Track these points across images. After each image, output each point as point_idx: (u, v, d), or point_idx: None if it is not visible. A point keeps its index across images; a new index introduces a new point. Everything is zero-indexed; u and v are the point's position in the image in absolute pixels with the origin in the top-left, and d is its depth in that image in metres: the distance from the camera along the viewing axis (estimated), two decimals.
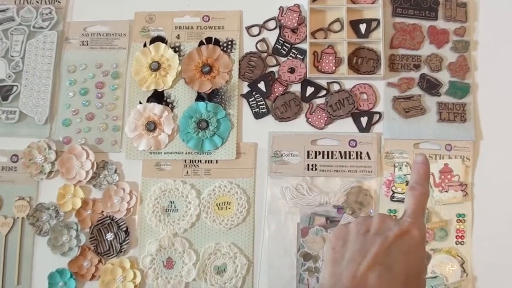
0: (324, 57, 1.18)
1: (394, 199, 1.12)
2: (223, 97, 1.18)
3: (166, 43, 1.21)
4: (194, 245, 1.14)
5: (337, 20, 1.20)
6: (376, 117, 1.17)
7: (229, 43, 1.21)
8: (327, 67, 1.18)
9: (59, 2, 1.24)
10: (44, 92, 1.20)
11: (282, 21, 1.20)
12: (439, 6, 1.20)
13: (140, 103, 1.18)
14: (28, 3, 1.25)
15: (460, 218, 1.12)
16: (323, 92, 1.18)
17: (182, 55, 1.20)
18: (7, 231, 1.15)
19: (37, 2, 1.25)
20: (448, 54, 1.18)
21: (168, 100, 1.19)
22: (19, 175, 1.17)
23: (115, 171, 1.17)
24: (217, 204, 1.14)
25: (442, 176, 1.13)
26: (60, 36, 1.22)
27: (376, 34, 1.19)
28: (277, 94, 1.18)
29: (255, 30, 1.22)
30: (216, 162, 1.16)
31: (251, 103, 1.18)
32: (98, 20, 1.23)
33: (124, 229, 1.13)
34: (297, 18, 1.20)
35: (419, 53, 1.18)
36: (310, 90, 1.18)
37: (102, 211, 1.15)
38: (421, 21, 1.20)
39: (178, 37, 1.22)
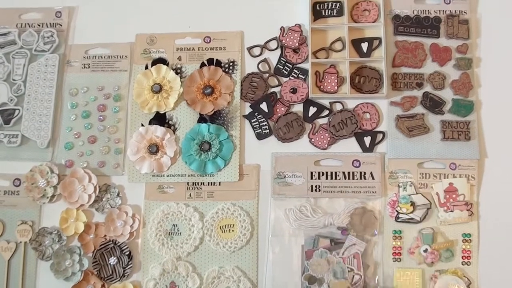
0: (326, 77, 1.19)
1: (399, 220, 1.12)
2: (225, 118, 1.18)
3: (167, 64, 1.21)
4: (198, 269, 1.14)
5: (339, 39, 1.21)
6: (380, 136, 1.17)
7: (231, 64, 1.21)
8: (329, 87, 1.19)
9: (61, 25, 1.26)
10: (46, 115, 1.21)
11: (284, 41, 1.21)
12: (441, 24, 1.21)
13: (142, 125, 1.19)
14: (29, 26, 1.26)
15: (466, 238, 1.12)
16: (326, 112, 1.19)
17: (183, 77, 1.21)
18: (10, 255, 1.16)
19: (39, 25, 1.26)
20: (451, 71, 1.19)
21: (170, 122, 1.19)
22: (22, 199, 1.18)
23: (118, 195, 1.17)
24: (220, 227, 1.14)
25: (447, 196, 1.13)
26: (61, 59, 1.24)
27: (378, 52, 1.20)
28: (279, 114, 1.19)
29: (256, 51, 1.23)
30: (219, 184, 1.16)
31: (253, 124, 1.19)
32: (100, 42, 1.24)
33: (127, 253, 1.13)
34: (298, 38, 1.21)
35: (421, 71, 1.19)
36: (312, 110, 1.19)
37: (105, 235, 1.15)
38: (423, 39, 1.20)
39: (179, 58, 1.22)
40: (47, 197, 1.16)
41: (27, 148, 1.20)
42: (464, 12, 1.21)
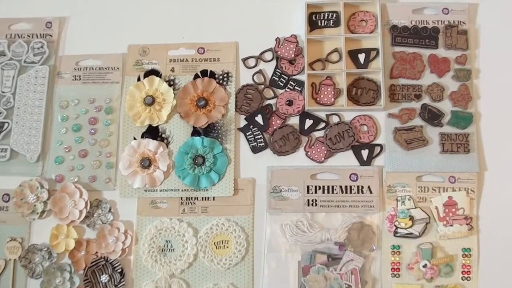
0: (323, 89, 1.17)
1: (398, 235, 1.10)
2: (219, 131, 1.17)
3: (160, 76, 1.20)
4: (192, 286, 1.12)
5: (335, 50, 1.20)
6: (377, 149, 1.15)
7: (225, 75, 1.20)
8: (325, 99, 1.17)
9: (51, 36, 1.24)
10: (36, 128, 1.18)
11: (279, 52, 1.20)
12: (439, 34, 1.19)
13: (135, 139, 1.17)
14: (19, 37, 1.24)
15: (466, 253, 1.10)
16: (322, 125, 1.17)
17: (177, 89, 1.19)
18: None
19: (29, 36, 1.24)
20: (450, 83, 1.18)
21: (163, 135, 1.17)
22: (11, 215, 1.15)
23: (109, 210, 1.15)
24: (215, 243, 1.12)
25: (447, 210, 1.11)
26: (52, 70, 1.22)
27: (375, 64, 1.18)
28: (275, 127, 1.17)
29: (251, 62, 1.21)
30: (213, 199, 1.14)
31: (248, 137, 1.17)
32: (91, 53, 1.23)
33: (119, 270, 1.11)
34: (294, 49, 1.19)
35: (420, 82, 1.18)
36: (309, 122, 1.17)
37: (96, 252, 1.13)
38: (421, 50, 1.19)
39: (172, 70, 1.21)
40: (37, 213, 1.14)
41: (16, 163, 1.18)
42: (463, 23, 1.19)
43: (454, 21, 1.20)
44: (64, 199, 1.14)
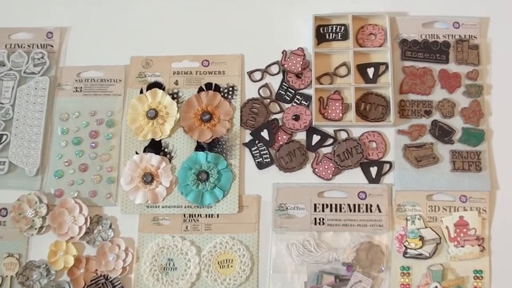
0: (331, 104, 1.15)
1: (407, 255, 1.08)
2: (224, 146, 1.14)
3: (163, 89, 1.17)
4: None
5: (344, 64, 1.18)
6: (387, 167, 1.13)
7: (230, 89, 1.18)
8: (333, 114, 1.15)
9: (52, 46, 1.21)
10: (35, 141, 1.16)
11: (286, 65, 1.17)
12: (450, 49, 1.17)
13: (137, 153, 1.15)
14: (19, 47, 1.22)
15: (477, 275, 1.08)
16: (330, 141, 1.15)
17: (180, 102, 1.17)
18: None
19: (29, 46, 1.22)
20: (461, 99, 1.15)
21: (166, 150, 1.15)
22: (8, 230, 1.13)
23: (110, 226, 1.13)
24: (218, 262, 1.09)
25: (458, 230, 1.09)
26: (52, 82, 1.19)
27: (384, 78, 1.16)
28: (281, 142, 1.15)
29: (257, 75, 1.19)
30: (217, 216, 1.12)
31: (253, 152, 1.15)
32: (92, 65, 1.20)
33: None
34: (301, 63, 1.17)
35: (430, 98, 1.15)
36: (316, 138, 1.15)
37: (96, 270, 1.10)
38: (431, 65, 1.17)
39: (176, 83, 1.18)
40: (35, 229, 1.11)
41: (15, 176, 1.15)
42: (474, 37, 1.17)
43: (465, 36, 1.18)
44: (63, 214, 1.11)
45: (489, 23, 1.20)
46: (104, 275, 1.10)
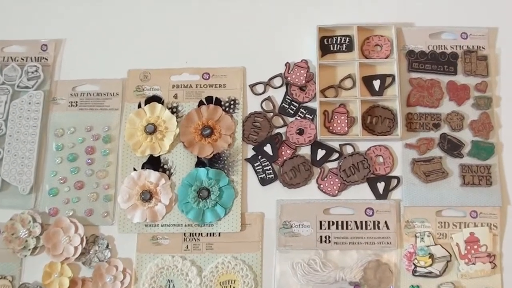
0: (336, 117, 1.14)
1: (417, 274, 1.06)
2: (225, 162, 1.12)
3: (162, 103, 1.15)
4: None
5: (349, 76, 1.16)
6: (394, 182, 1.11)
7: (232, 102, 1.16)
8: (339, 128, 1.13)
9: (46, 59, 1.20)
10: (28, 158, 1.13)
11: (289, 78, 1.16)
12: (458, 60, 1.16)
13: (135, 170, 1.13)
14: (12, 60, 1.20)
15: None
16: (336, 156, 1.13)
17: (180, 117, 1.15)
18: None
19: (22, 59, 1.20)
20: (470, 111, 1.14)
21: (165, 166, 1.13)
22: (1, 251, 1.10)
23: (107, 247, 1.10)
24: (220, 283, 1.07)
25: (468, 247, 1.07)
26: (46, 96, 1.17)
27: (391, 91, 1.15)
28: (285, 158, 1.13)
29: (259, 88, 1.18)
30: (219, 235, 1.10)
31: (256, 168, 1.13)
32: (88, 78, 1.19)
33: None
34: (305, 75, 1.15)
35: (438, 111, 1.14)
36: (321, 153, 1.13)
37: None
38: (439, 76, 1.15)
39: (175, 96, 1.17)
40: (29, 249, 1.09)
41: (8, 194, 1.13)
42: (483, 48, 1.16)
43: (473, 46, 1.16)
44: (58, 234, 1.09)
45: (497, 33, 1.19)
46: None
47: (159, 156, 1.13)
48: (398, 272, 1.07)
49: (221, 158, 1.13)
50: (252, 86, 1.17)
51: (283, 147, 1.14)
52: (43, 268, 1.09)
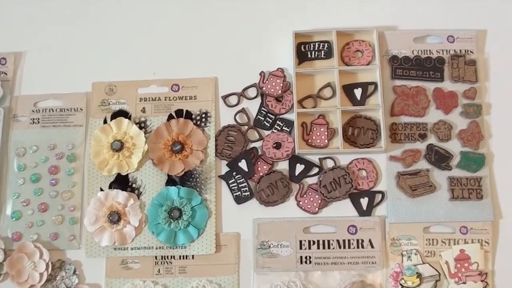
0: (315, 129, 1.11)
1: None
2: (198, 180, 1.10)
3: (129, 118, 1.13)
4: None
5: (328, 85, 1.14)
6: (379, 197, 1.09)
7: (203, 115, 1.13)
8: (318, 141, 1.11)
9: (6, 73, 1.17)
10: None
11: (264, 88, 1.13)
12: (445, 65, 1.14)
13: (101, 190, 1.10)
14: None
15: None
16: (315, 170, 1.11)
17: (148, 132, 1.12)
18: None
19: None
20: (458, 120, 1.12)
21: (133, 185, 1.10)
22: None
23: (74, 272, 1.08)
24: None
25: (458, 265, 1.05)
26: (7, 113, 1.15)
27: (374, 100, 1.13)
28: (261, 174, 1.11)
29: (233, 100, 1.15)
30: (193, 257, 1.07)
31: (231, 185, 1.10)
32: (51, 93, 1.16)
33: None
34: (281, 85, 1.13)
35: (424, 120, 1.12)
36: (299, 168, 1.11)
37: None
38: (425, 83, 1.13)
39: (143, 110, 1.14)
40: None
41: None
42: (471, 52, 1.14)
43: (460, 50, 1.14)
44: (22, 260, 1.06)
45: (486, 36, 1.17)
46: None
47: (127, 175, 1.11)
48: None
49: (193, 176, 1.10)
50: (224, 98, 1.15)
51: (259, 163, 1.11)
52: None
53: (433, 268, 1.05)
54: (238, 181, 1.10)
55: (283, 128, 1.12)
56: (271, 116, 1.13)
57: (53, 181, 1.11)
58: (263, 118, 1.13)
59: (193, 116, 1.13)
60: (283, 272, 1.06)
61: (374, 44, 1.14)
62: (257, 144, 1.12)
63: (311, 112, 1.12)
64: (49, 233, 1.10)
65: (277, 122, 1.13)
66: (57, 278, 1.08)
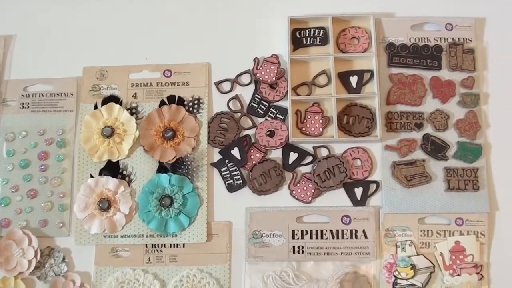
0: (309, 117, 1.10)
1: (398, 286, 1.03)
2: (189, 167, 1.08)
3: (120, 103, 1.11)
4: None
5: (323, 72, 1.12)
6: (373, 187, 1.08)
7: (196, 102, 1.11)
8: (312, 129, 1.09)
9: None
10: None
11: (258, 74, 1.11)
12: (443, 54, 1.12)
13: (91, 176, 1.09)
14: None
15: None
16: (309, 159, 1.09)
17: (140, 118, 1.11)
18: None
19: None
20: (455, 109, 1.10)
21: (124, 172, 1.09)
22: None
23: (63, 260, 1.07)
24: None
25: (453, 257, 1.04)
26: None
27: (369, 88, 1.11)
28: (254, 162, 1.09)
29: (226, 86, 1.13)
30: (183, 246, 1.06)
31: (223, 173, 1.09)
32: (41, 77, 1.14)
33: None
34: (275, 71, 1.11)
35: (421, 109, 1.10)
36: (293, 156, 1.09)
37: None
38: (422, 72, 1.12)
39: (135, 96, 1.12)
40: None
41: None
42: (469, 40, 1.12)
43: (459, 39, 1.12)
44: (10, 247, 1.05)
45: (485, 24, 1.15)
46: None
47: (117, 161, 1.10)
48: (377, 285, 1.05)
49: (184, 163, 1.08)
50: (217, 84, 1.13)
51: (252, 151, 1.10)
52: None
53: (428, 259, 1.04)
54: (231, 169, 1.09)
55: (277, 115, 1.11)
56: (265, 103, 1.12)
57: (42, 167, 1.10)
58: (256, 105, 1.12)
59: (186, 103, 1.11)
60: (275, 262, 1.05)
61: (371, 31, 1.12)
62: (250, 132, 1.11)
63: (305, 100, 1.11)
64: (38, 220, 1.08)
65: (271, 109, 1.11)
66: (46, 266, 1.07)
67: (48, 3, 1.19)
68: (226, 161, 1.09)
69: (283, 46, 1.12)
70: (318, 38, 1.12)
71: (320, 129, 1.09)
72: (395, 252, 1.05)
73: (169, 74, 1.13)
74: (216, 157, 1.10)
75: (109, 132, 1.08)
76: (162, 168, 1.09)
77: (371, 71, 1.11)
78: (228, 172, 1.09)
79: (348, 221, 1.05)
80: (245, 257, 1.06)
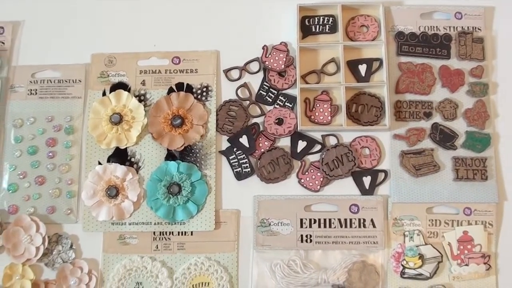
0: (318, 105, 1.08)
1: (405, 276, 1.02)
2: (198, 155, 1.07)
3: (129, 90, 1.10)
4: None
5: (332, 60, 1.11)
6: (381, 176, 1.07)
7: (204, 89, 1.10)
8: (321, 117, 1.08)
9: (3, 43, 1.13)
10: None
11: (267, 62, 1.10)
12: (452, 43, 1.10)
13: (100, 163, 1.07)
14: None
15: None
16: (318, 147, 1.08)
17: (148, 105, 1.09)
18: None
19: None
20: (464, 99, 1.09)
21: (132, 159, 1.08)
22: None
23: (71, 247, 1.06)
24: (193, 286, 1.04)
25: (461, 247, 1.03)
26: (4, 83, 1.12)
27: (378, 76, 1.09)
28: (262, 150, 1.08)
29: (234, 74, 1.12)
30: (191, 234, 1.05)
31: (232, 161, 1.08)
32: (49, 64, 1.13)
33: None
34: (284, 59, 1.10)
35: (430, 98, 1.09)
36: (302, 145, 1.08)
37: None
38: (431, 61, 1.10)
39: (143, 83, 1.11)
40: None
41: None
42: (478, 29, 1.10)
43: (468, 27, 1.11)
44: (18, 233, 1.05)
45: (494, 13, 1.13)
46: None
47: (126, 149, 1.08)
48: (385, 274, 1.04)
49: (193, 151, 1.07)
50: (226, 72, 1.11)
51: (260, 139, 1.08)
52: (3, 270, 1.04)
53: (436, 249, 1.03)
54: (239, 157, 1.08)
55: (286, 103, 1.09)
56: (274, 91, 1.10)
57: (50, 154, 1.09)
58: (265, 93, 1.10)
59: (194, 90, 1.10)
60: (283, 250, 1.04)
61: (380, 19, 1.10)
62: (258, 120, 1.10)
63: (314, 88, 1.09)
64: (46, 207, 1.07)
65: (280, 97, 1.10)
66: (54, 252, 1.06)
67: None
68: (235, 149, 1.08)
69: (292, 34, 1.10)
70: (327, 26, 1.11)
71: (329, 118, 1.07)
72: (403, 242, 1.03)
73: (177, 61, 1.11)
74: (225, 145, 1.09)
75: (117, 119, 1.07)
76: (170, 156, 1.07)
77: (380, 60, 1.09)
78: (236, 160, 1.07)
79: (356, 210, 1.04)
80: (252, 245, 1.05)
